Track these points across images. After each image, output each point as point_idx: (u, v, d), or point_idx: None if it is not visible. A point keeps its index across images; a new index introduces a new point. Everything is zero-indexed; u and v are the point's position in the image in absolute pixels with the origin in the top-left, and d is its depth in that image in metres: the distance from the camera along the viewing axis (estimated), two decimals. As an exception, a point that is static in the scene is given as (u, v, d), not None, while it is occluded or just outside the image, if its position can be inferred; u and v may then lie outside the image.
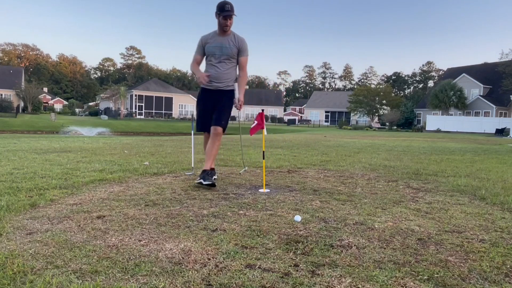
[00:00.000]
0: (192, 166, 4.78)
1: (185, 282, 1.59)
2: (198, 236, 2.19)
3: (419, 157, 7.27)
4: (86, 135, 20.31)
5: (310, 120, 64.46)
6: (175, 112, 56.83)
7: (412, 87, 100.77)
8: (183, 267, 1.75)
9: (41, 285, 1.53)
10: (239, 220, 2.51)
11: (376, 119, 54.83)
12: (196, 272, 1.69)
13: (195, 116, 4.11)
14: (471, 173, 5.05)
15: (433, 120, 39.92)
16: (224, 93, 3.81)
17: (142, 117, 52.63)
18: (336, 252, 1.97)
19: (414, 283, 1.63)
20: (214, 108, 3.82)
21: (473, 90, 43.36)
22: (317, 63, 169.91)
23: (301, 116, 74.42)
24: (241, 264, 1.79)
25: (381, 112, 52.69)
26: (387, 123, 47.87)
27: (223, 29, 3.67)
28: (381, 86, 66.24)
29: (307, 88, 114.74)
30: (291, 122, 61.83)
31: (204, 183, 3.50)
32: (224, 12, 3.56)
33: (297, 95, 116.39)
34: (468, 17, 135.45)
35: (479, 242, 2.20)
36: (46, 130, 26.75)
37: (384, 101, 51.93)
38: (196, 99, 4.10)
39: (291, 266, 1.78)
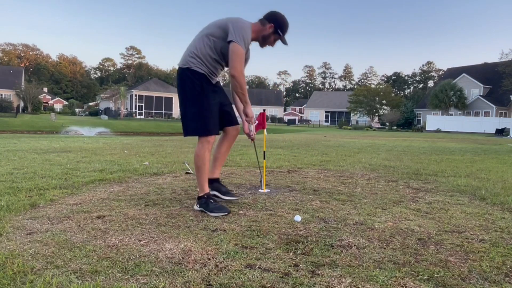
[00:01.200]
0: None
1: (185, 282, 1.59)
2: (198, 236, 2.19)
3: (419, 157, 7.27)
4: (86, 135, 20.32)
5: (310, 120, 64.46)
6: (175, 112, 56.81)
7: (412, 87, 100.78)
8: (183, 267, 1.75)
9: (41, 285, 1.53)
10: (239, 220, 2.51)
11: (376, 119, 54.82)
12: (196, 272, 1.69)
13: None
14: (471, 173, 5.05)
15: (433, 120, 39.91)
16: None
17: (142, 117, 52.63)
18: (336, 252, 1.97)
19: (414, 283, 1.63)
20: (222, 103, 2.94)
21: (473, 90, 43.36)
22: (317, 63, 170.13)
23: (301, 116, 74.44)
24: (241, 264, 1.79)
25: (381, 112, 52.67)
26: (387, 123, 47.87)
27: (262, 44, 2.84)
28: (381, 86, 66.24)
29: (307, 88, 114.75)
30: (291, 122, 61.83)
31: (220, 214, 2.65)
32: (283, 36, 2.80)
33: (297, 95, 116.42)
34: (468, 17, 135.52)
35: (479, 242, 2.19)
36: (46, 130, 26.74)
37: (384, 101, 51.92)
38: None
39: (291, 266, 1.78)
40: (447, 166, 5.88)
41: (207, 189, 2.77)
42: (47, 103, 64.71)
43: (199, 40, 2.77)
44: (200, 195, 2.77)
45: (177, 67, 2.86)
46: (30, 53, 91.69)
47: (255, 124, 3.00)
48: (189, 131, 2.76)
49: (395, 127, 45.32)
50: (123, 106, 53.58)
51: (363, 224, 2.50)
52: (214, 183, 3.02)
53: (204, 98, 2.73)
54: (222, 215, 2.61)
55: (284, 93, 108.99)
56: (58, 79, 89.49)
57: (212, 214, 2.63)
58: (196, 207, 2.78)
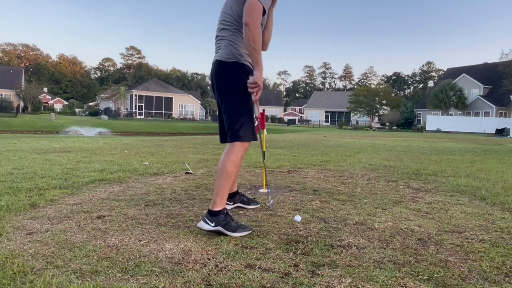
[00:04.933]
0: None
1: (185, 282, 1.59)
2: (198, 236, 2.19)
3: (419, 157, 7.27)
4: (86, 135, 20.31)
5: (310, 120, 64.47)
6: (175, 112, 56.83)
7: (412, 87, 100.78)
8: (183, 267, 1.75)
9: (41, 285, 1.53)
10: (239, 220, 2.51)
11: (376, 119, 54.82)
12: (196, 272, 1.69)
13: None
14: (471, 173, 5.05)
15: (433, 120, 39.91)
16: None
17: (142, 117, 52.62)
18: (336, 252, 1.97)
19: (414, 283, 1.63)
20: None
21: (473, 90, 43.37)
22: (317, 63, 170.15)
23: (301, 116, 74.41)
24: (241, 264, 1.79)
25: (381, 112, 52.68)
26: (387, 123, 47.87)
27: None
28: (381, 86, 66.17)
29: (307, 88, 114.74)
30: (291, 122, 61.85)
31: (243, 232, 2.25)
32: None
33: (297, 95, 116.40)
34: (468, 17, 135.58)
35: (479, 242, 2.19)
36: (46, 130, 26.75)
37: (384, 101, 51.91)
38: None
39: (291, 266, 1.78)
40: (447, 166, 5.88)
41: (225, 203, 2.30)
42: (47, 103, 64.64)
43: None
44: (216, 209, 2.20)
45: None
46: (30, 53, 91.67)
47: (258, 92, 2.31)
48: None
49: (395, 127, 45.31)
50: (123, 106, 53.57)
51: (363, 224, 2.50)
52: (237, 195, 2.76)
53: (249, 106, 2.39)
54: (247, 234, 2.22)
55: (284, 93, 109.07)
56: (58, 79, 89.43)
57: (235, 235, 2.17)
58: (206, 225, 2.18)
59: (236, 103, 2.29)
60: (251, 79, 2.26)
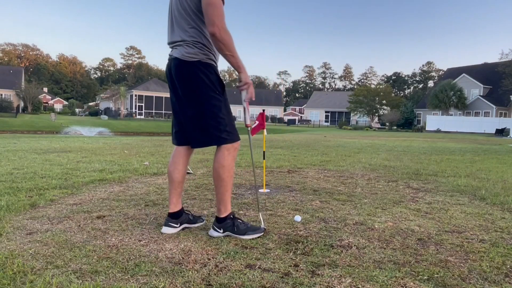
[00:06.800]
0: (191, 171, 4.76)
1: (185, 282, 1.59)
2: (198, 236, 2.19)
3: (419, 157, 7.27)
4: (86, 135, 20.31)
5: (310, 120, 64.49)
6: (175, 112, 56.78)
7: (412, 87, 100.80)
8: (183, 267, 1.75)
9: (41, 285, 1.53)
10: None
11: (376, 119, 54.84)
12: (196, 272, 1.69)
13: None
14: (471, 173, 5.05)
15: (433, 120, 39.91)
16: None
17: (142, 117, 52.65)
18: (336, 252, 1.97)
19: (414, 283, 1.63)
20: None
21: (473, 90, 43.38)
22: (317, 63, 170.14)
23: (301, 116, 74.44)
24: (241, 264, 1.79)
25: (381, 112, 52.70)
26: (387, 123, 47.88)
27: None
28: (381, 86, 66.17)
29: (307, 88, 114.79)
30: (291, 122, 61.85)
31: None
32: None
33: (297, 95, 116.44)
34: (468, 17, 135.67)
35: (479, 242, 2.20)
36: (46, 130, 26.72)
37: (384, 101, 51.94)
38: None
39: (291, 266, 1.78)
40: (447, 166, 5.88)
41: (230, 208, 2.25)
42: (47, 103, 64.63)
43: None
44: (222, 216, 2.20)
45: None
46: (30, 53, 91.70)
47: (249, 95, 2.21)
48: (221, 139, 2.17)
49: (395, 127, 45.33)
50: (123, 106, 53.60)
51: (363, 224, 2.50)
52: (183, 214, 2.33)
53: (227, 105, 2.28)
54: (259, 237, 2.19)
55: (284, 93, 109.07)
56: (58, 79, 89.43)
57: (246, 237, 2.15)
58: (215, 232, 2.19)
59: (211, 105, 2.11)
60: (241, 81, 2.16)
